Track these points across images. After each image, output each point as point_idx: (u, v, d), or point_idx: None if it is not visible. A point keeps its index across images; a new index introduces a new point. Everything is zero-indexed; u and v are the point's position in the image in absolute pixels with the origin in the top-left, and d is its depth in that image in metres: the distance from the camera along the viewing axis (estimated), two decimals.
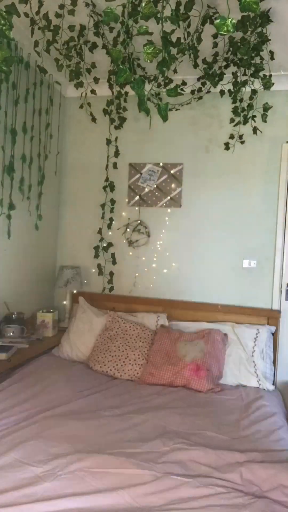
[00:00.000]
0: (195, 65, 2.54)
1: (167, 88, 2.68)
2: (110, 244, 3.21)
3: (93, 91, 2.83)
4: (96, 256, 3.17)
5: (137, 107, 1.68)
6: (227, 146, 2.97)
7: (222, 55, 2.49)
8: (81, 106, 2.98)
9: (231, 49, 2.41)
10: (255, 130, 2.81)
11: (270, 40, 2.30)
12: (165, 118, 1.67)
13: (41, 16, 2.25)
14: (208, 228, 3.07)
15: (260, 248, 2.97)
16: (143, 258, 3.21)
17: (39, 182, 3.00)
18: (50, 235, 3.29)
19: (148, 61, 1.57)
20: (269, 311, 2.92)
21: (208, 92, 2.83)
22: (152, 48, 1.54)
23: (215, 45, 2.41)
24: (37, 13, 2.23)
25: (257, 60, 2.44)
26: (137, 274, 3.22)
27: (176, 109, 2.96)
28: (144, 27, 1.53)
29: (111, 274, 3.20)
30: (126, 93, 2.94)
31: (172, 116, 2.71)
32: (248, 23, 2.13)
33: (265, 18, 2.16)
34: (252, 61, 2.43)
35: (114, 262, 3.20)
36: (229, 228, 3.03)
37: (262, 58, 2.42)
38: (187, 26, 2.25)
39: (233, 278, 3.03)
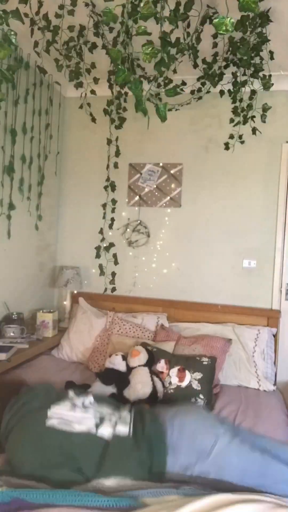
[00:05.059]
0: (195, 65, 2.54)
1: (166, 88, 2.68)
2: (111, 244, 3.21)
3: (93, 91, 2.83)
4: (98, 256, 3.17)
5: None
6: (227, 146, 2.97)
7: (221, 55, 2.49)
8: (81, 106, 2.98)
9: (230, 49, 2.40)
10: (254, 130, 2.81)
11: (269, 40, 2.30)
12: (163, 119, 1.67)
13: (41, 16, 2.26)
14: (208, 228, 3.07)
15: (260, 248, 2.97)
16: (143, 258, 3.21)
17: (39, 182, 3.00)
18: (50, 235, 3.29)
19: (147, 61, 1.57)
20: (269, 311, 2.92)
21: (208, 92, 2.82)
22: (150, 49, 1.54)
23: (215, 45, 2.40)
24: (37, 13, 2.23)
25: (257, 60, 2.44)
26: (137, 274, 3.22)
27: (176, 109, 2.95)
28: (142, 28, 1.53)
29: (113, 274, 3.20)
30: (126, 93, 2.94)
31: (172, 116, 2.71)
32: (247, 23, 2.13)
33: (265, 18, 2.16)
34: (252, 61, 2.43)
35: (116, 262, 3.20)
36: (229, 228, 3.03)
37: (261, 58, 2.42)
38: (187, 26, 2.25)
39: (233, 278, 3.03)
